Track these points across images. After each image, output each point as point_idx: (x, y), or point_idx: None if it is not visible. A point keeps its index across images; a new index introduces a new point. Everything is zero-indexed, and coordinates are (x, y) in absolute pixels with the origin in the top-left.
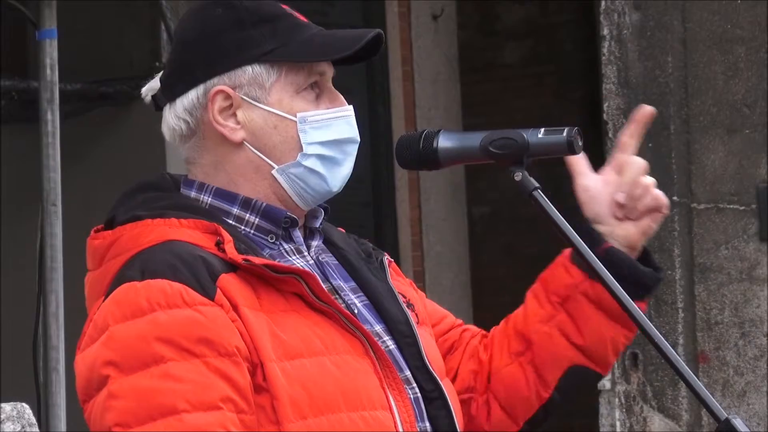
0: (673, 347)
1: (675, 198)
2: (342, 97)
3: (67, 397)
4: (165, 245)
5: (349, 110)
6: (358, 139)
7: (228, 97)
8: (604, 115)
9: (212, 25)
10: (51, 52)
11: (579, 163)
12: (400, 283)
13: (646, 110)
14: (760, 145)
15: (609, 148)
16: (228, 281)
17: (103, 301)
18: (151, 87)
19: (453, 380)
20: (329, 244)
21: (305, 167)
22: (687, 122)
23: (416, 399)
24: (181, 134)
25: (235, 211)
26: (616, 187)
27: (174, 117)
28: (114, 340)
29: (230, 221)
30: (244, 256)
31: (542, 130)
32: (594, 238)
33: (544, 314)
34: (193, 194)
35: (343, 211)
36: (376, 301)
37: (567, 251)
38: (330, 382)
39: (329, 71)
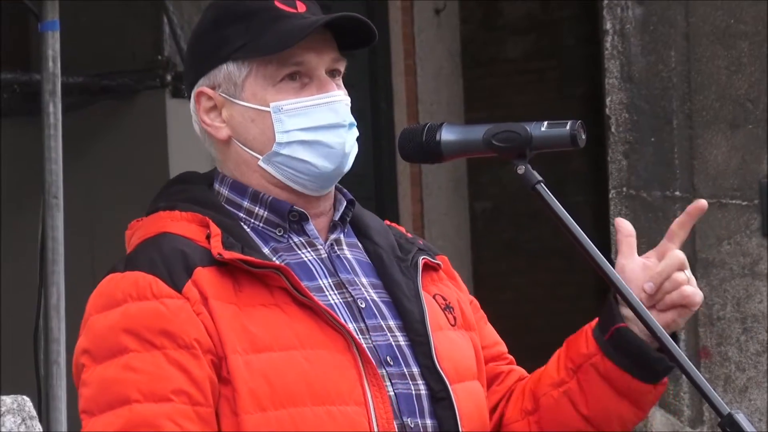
0: (675, 342)
1: (677, 193)
2: (332, 84)
3: (68, 390)
4: (157, 237)
5: (335, 96)
6: (346, 123)
7: (209, 97)
8: (607, 110)
9: (200, 28)
10: (53, 44)
11: (626, 243)
12: (443, 286)
13: (701, 204)
14: (763, 141)
15: (611, 143)
16: (203, 274)
17: None
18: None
19: (491, 413)
20: (366, 238)
21: (285, 155)
22: (690, 117)
23: (417, 395)
24: (199, 134)
25: (246, 204)
26: (652, 274)
27: (193, 120)
28: (90, 329)
29: (242, 214)
30: (219, 251)
31: (545, 123)
32: (612, 316)
33: (557, 379)
34: (216, 187)
35: None
36: (397, 298)
37: (596, 320)
38: (297, 375)
39: (313, 60)
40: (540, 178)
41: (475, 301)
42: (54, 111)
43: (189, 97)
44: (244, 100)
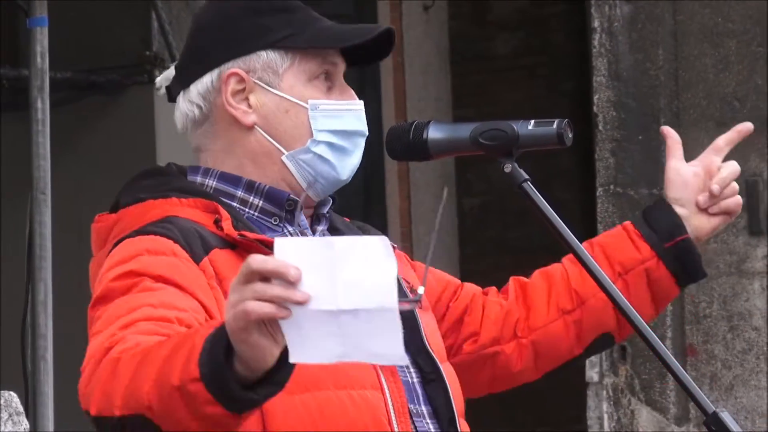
0: (661, 340)
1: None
2: (352, 91)
3: (55, 386)
4: (166, 220)
5: (360, 104)
6: (367, 133)
7: (241, 80)
8: (594, 108)
9: (230, 13)
10: (42, 40)
11: (676, 147)
12: (403, 269)
13: (749, 126)
14: (750, 139)
15: (599, 140)
16: (220, 255)
17: None
18: (166, 76)
19: (477, 337)
20: (335, 230)
21: (315, 153)
22: (677, 115)
23: (412, 383)
24: (194, 119)
25: (240, 193)
26: (703, 181)
27: (187, 102)
28: (102, 281)
29: (235, 204)
30: (240, 231)
31: (532, 121)
32: (676, 225)
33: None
34: (198, 179)
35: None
36: None
37: (629, 224)
38: None
39: (342, 64)
40: (526, 177)
41: (413, 264)
42: (42, 107)
43: (190, 80)
44: (282, 90)
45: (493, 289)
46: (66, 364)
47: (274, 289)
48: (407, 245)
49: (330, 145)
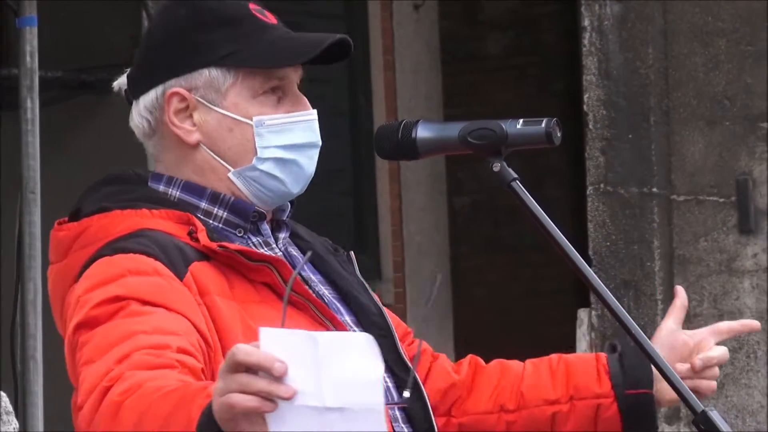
0: (651, 339)
1: (655, 190)
2: (306, 100)
3: (45, 386)
4: (139, 233)
5: (311, 114)
6: (320, 143)
7: (183, 99)
8: (585, 107)
9: (175, 27)
10: (31, 39)
11: (679, 311)
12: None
13: (756, 326)
14: (740, 138)
15: (588, 139)
16: (200, 269)
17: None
18: (120, 82)
19: None
20: (296, 237)
21: (261, 171)
22: (667, 114)
23: (387, 388)
24: (144, 132)
25: (204, 205)
26: (689, 352)
27: (138, 114)
28: (84, 305)
29: (199, 215)
30: (220, 243)
31: (521, 120)
32: (646, 376)
33: (553, 397)
34: (161, 188)
35: (324, 201)
36: (346, 293)
37: (603, 357)
38: None
39: (292, 75)
40: (515, 176)
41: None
42: (32, 106)
43: (139, 92)
44: (225, 108)
45: (444, 356)
46: (55, 363)
47: (260, 383)
48: (398, 244)
49: (278, 160)
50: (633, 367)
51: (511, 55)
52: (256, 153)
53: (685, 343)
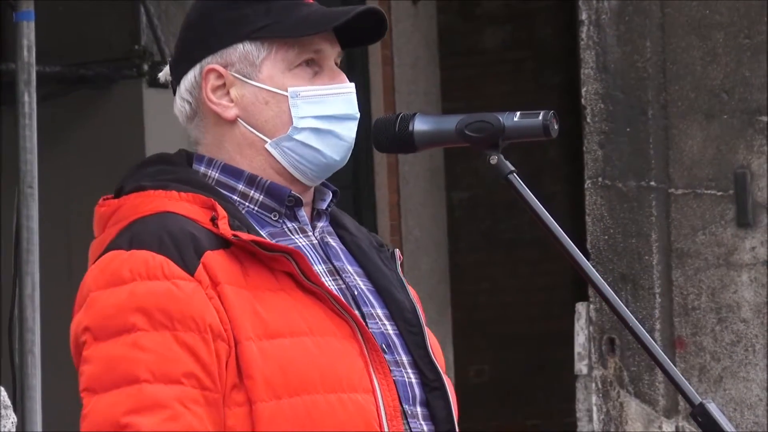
0: (649, 333)
1: (653, 183)
2: (343, 75)
3: (43, 380)
4: (159, 216)
5: (349, 87)
6: (357, 116)
7: (220, 75)
8: (582, 100)
9: (209, 6)
10: (28, 33)
11: None
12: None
13: None
14: (738, 131)
15: (586, 133)
16: (213, 258)
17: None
18: (165, 72)
19: None
20: (342, 228)
21: (297, 141)
22: (665, 107)
23: (410, 383)
24: (186, 115)
25: (241, 187)
26: None
27: (179, 98)
28: (93, 306)
29: (235, 197)
30: (234, 232)
31: (518, 113)
32: None
33: None
34: (202, 169)
35: None
36: (383, 287)
37: None
38: (309, 362)
39: (328, 50)
40: (512, 168)
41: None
42: (29, 101)
43: (180, 76)
44: (260, 81)
45: None
46: (53, 357)
47: None
48: (396, 238)
49: (314, 130)
50: None
51: (508, 49)
52: (292, 123)
53: None
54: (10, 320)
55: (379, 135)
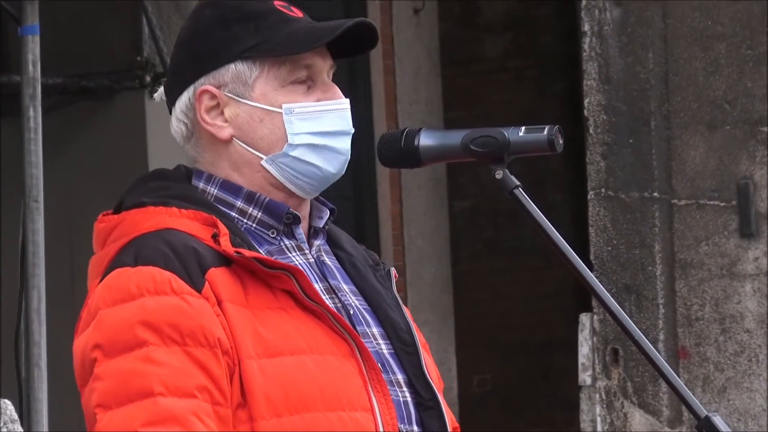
0: (653, 343)
1: (656, 194)
2: (337, 89)
3: (49, 393)
4: (162, 233)
5: (343, 103)
6: (351, 131)
7: (213, 96)
8: (585, 111)
9: (200, 27)
10: (33, 48)
11: None
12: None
13: None
14: (741, 142)
15: (589, 144)
16: (217, 275)
17: (99, 283)
18: (161, 92)
19: None
20: (337, 247)
21: (293, 157)
22: (667, 118)
23: (405, 402)
24: (183, 135)
25: (239, 204)
26: None
27: (175, 119)
28: (102, 323)
29: (234, 214)
30: (237, 249)
31: (523, 128)
32: None
33: None
34: (201, 185)
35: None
36: (377, 306)
37: None
38: (309, 381)
39: (320, 63)
40: (518, 183)
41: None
42: (34, 115)
43: (174, 97)
44: (254, 100)
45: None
46: (59, 371)
47: None
48: (399, 248)
49: (310, 146)
50: None
51: (509, 57)
52: (287, 140)
53: None
54: (16, 334)
55: (384, 150)
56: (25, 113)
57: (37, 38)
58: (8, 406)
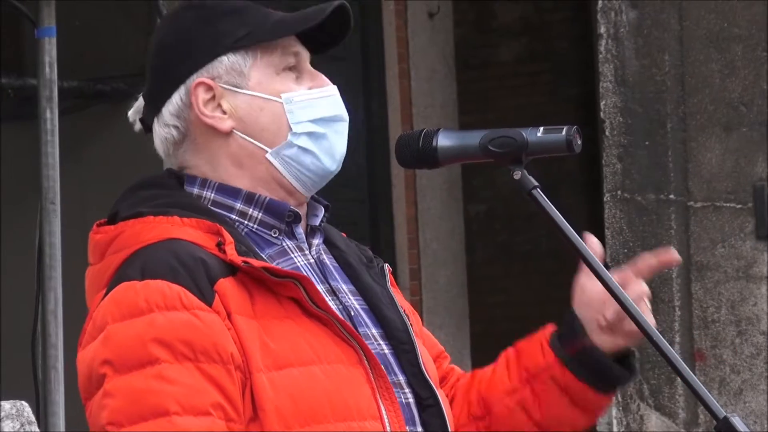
0: (669, 345)
1: (672, 196)
2: (323, 76)
3: (66, 395)
4: (166, 244)
5: (334, 90)
6: (346, 117)
7: (209, 88)
8: (601, 114)
9: (182, 27)
10: (50, 50)
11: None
12: (396, 292)
13: (677, 258)
14: (757, 144)
15: (605, 146)
16: (225, 286)
17: (104, 296)
18: (136, 108)
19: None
20: (330, 245)
21: (298, 146)
22: (684, 120)
23: (407, 404)
24: (174, 141)
25: (239, 206)
26: (607, 303)
27: (163, 126)
28: (111, 339)
29: (234, 216)
30: (244, 258)
31: (541, 128)
32: (575, 332)
33: (510, 387)
34: (195, 191)
35: (339, 209)
36: (374, 305)
37: (549, 329)
38: (319, 392)
39: (304, 53)
40: (536, 183)
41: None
42: (51, 117)
43: (160, 104)
44: (251, 89)
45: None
46: (76, 373)
47: None
48: (414, 252)
49: (311, 134)
50: (563, 325)
51: (524, 61)
52: (290, 129)
53: (600, 296)
54: (33, 336)
55: (402, 151)
56: (42, 115)
57: (54, 40)
58: (25, 407)
